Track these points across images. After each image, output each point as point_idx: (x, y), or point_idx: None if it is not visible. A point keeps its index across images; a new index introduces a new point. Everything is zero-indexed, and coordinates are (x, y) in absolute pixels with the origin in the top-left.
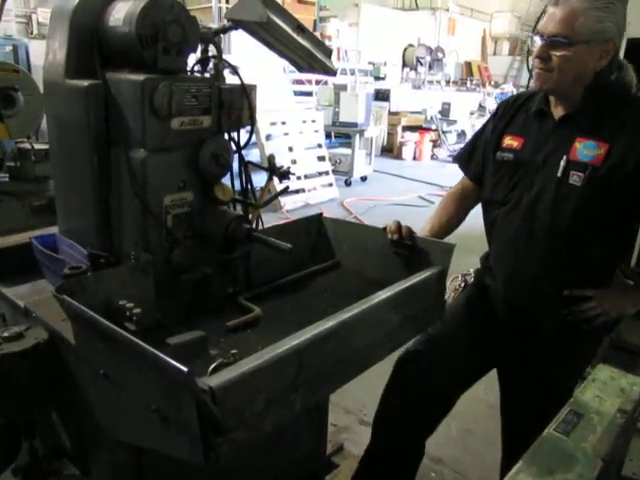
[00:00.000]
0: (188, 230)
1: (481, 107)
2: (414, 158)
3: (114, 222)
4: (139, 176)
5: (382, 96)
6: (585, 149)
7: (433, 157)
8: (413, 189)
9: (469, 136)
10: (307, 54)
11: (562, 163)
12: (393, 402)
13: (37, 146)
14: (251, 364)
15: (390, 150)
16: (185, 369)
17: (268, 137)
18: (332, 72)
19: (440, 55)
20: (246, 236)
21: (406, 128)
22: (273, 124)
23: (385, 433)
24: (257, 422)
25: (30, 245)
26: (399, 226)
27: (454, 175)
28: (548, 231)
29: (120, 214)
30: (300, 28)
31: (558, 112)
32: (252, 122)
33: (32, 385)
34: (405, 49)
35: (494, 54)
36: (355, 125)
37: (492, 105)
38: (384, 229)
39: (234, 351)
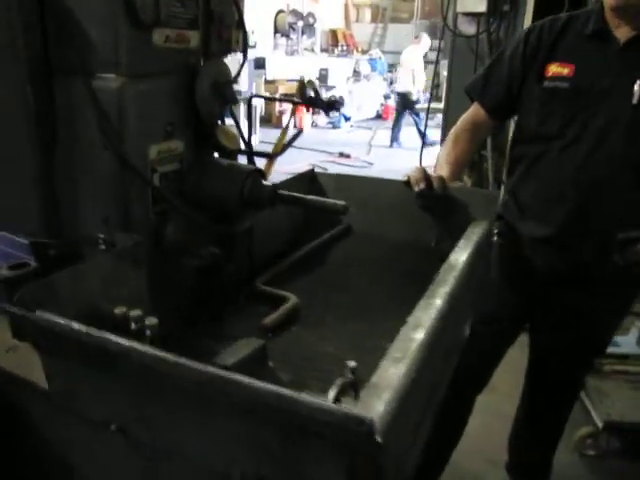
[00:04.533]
0: (180, 196)
1: (356, 72)
2: (295, 126)
3: (65, 194)
4: (113, 115)
5: (257, 64)
6: None
7: (313, 124)
8: (303, 158)
9: (347, 101)
10: None
11: (636, 88)
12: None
13: None
14: (403, 379)
15: (269, 120)
16: (369, 416)
17: None
18: None
19: (312, 21)
20: (271, 197)
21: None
22: None
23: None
24: (403, 462)
25: None
26: (425, 174)
27: (339, 142)
28: (620, 163)
29: (76, 180)
30: None
31: (623, 33)
32: (245, 46)
33: None
34: (276, 15)
35: (357, 21)
36: (239, 93)
37: (367, 70)
38: (406, 182)
39: (352, 364)
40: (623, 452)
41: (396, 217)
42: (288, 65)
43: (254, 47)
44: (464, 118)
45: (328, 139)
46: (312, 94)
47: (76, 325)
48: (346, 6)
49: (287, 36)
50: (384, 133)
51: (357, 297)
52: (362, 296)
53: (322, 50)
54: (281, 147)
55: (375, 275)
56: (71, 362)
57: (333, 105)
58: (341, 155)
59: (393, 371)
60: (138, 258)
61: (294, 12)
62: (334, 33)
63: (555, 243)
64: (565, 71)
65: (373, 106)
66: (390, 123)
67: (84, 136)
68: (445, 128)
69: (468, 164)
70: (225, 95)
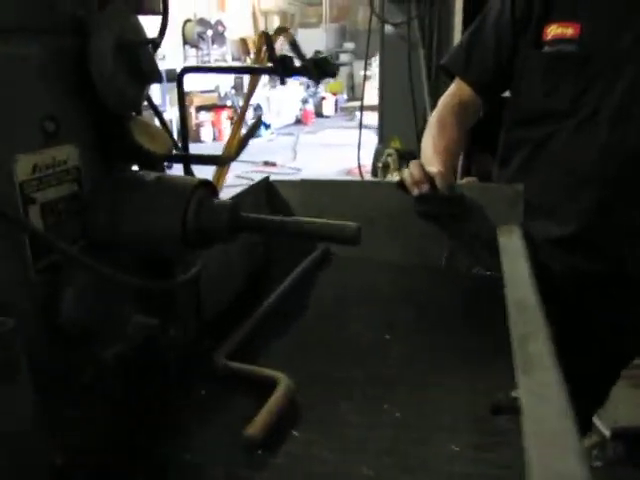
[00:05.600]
0: (81, 239)
1: (271, 78)
2: (214, 139)
3: None
4: None
5: (169, 77)
6: None
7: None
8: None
9: (265, 109)
10: None
11: None
12: None
13: None
14: None
15: None
16: None
17: None
18: None
19: (221, 29)
20: (231, 225)
21: (200, 109)
22: None
23: None
24: None
25: None
26: (425, 173)
27: (262, 150)
28: None
29: None
30: None
31: None
32: (165, 6)
33: None
34: (184, 25)
35: (266, 29)
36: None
37: None
38: (399, 184)
39: None
40: (630, 459)
41: (389, 232)
42: (201, 76)
43: (163, 59)
44: (446, 100)
45: (250, 149)
46: (291, 51)
47: None
48: (254, 14)
49: (197, 46)
50: (307, 138)
51: (371, 362)
52: (377, 359)
53: (234, 59)
54: (238, 146)
55: (381, 321)
56: None
57: (326, 67)
58: (266, 164)
59: None
60: (12, 357)
61: (202, 21)
62: (244, 41)
63: (576, 243)
64: (569, 31)
65: (292, 111)
66: (311, 128)
67: None
68: (382, 125)
69: (460, 150)
70: (139, 63)
